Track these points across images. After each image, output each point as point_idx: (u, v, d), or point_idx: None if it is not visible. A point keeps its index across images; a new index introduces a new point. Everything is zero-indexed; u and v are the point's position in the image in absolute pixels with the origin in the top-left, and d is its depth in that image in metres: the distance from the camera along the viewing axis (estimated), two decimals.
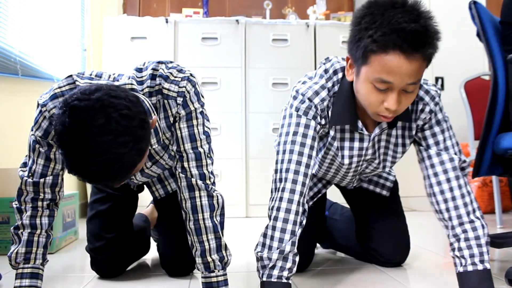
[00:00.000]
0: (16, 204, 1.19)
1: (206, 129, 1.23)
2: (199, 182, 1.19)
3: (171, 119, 1.19)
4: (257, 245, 1.20)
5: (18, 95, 2.24)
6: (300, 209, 1.19)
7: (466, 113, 2.52)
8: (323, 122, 1.24)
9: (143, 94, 1.16)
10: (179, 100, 1.17)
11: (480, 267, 1.18)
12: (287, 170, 1.19)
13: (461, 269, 1.20)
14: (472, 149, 2.46)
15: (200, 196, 1.20)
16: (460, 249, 1.20)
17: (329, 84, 1.24)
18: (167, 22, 3.11)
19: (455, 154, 1.26)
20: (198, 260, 1.20)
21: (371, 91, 1.11)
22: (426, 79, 1.27)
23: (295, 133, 1.21)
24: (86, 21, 3.11)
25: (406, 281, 1.44)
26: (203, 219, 1.19)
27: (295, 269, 1.17)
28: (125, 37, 3.08)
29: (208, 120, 1.24)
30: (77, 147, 0.89)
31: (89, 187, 2.97)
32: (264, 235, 1.19)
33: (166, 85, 1.16)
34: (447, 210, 1.23)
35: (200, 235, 1.19)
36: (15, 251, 1.16)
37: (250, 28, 3.16)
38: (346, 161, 1.34)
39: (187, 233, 1.22)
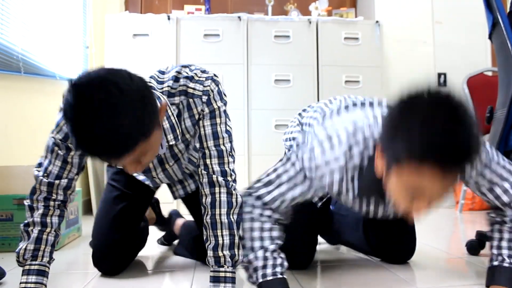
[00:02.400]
0: (27, 202, 1.22)
1: (228, 128, 1.26)
2: (220, 179, 1.22)
3: (196, 117, 1.23)
4: (240, 255, 1.20)
5: (21, 93, 2.25)
6: (276, 216, 1.20)
7: None
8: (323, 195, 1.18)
9: (162, 93, 1.20)
10: (204, 98, 1.21)
11: None
12: (275, 199, 1.19)
13: (495, 263, 1.20)
14: None
15: (219, 193, 1.22)
16: (499, 247, 1.21)
17: (356, 160, 1.13)
18: (169, 19, 3.11)
19: None
20: (210, 253, 1.21)
21: (401, 193, 1.03)
22: None
23: (288, 189, 1.19)
24: (88, 18, 3.11)
25: (411, 280, 1.44)
26: (220, 214, 1.21)
27: (285, 263, 1.17)
28: (127, 34, 3.08)
29: (229, 119, 1.28)
30: (79, 120, 0.93)
31: (92, 184, 2.97)
32: (242, 238, 1.20)
33: (191, 84, 1.21)
34: (504, 205, 1.21)
35: (215, 230, 1.21)
36: (24, 247, 1.17)
37: (252, 24, 3.16)
38: (372, 211, 1.32)
39: (203, 227, 1.24)
